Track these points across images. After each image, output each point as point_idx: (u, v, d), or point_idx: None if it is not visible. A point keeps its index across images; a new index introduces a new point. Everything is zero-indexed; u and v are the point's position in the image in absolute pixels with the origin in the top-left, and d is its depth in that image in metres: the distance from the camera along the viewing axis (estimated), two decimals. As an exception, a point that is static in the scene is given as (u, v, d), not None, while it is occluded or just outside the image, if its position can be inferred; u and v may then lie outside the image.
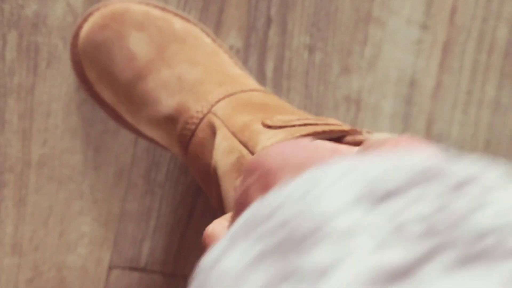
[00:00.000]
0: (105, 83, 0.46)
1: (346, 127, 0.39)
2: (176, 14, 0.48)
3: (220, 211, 0.40)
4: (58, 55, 0.52)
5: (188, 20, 0.49)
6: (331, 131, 0.37)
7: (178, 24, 0.48)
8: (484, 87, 0.65)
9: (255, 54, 0.57)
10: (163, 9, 0.48)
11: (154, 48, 0.45)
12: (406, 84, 0.62)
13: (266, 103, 0.43)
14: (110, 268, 0.53)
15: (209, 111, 0.42)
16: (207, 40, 0.49)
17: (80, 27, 0.47)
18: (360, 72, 0.61)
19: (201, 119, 0.42)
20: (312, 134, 0.36)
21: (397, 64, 0.62)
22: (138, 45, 0.45)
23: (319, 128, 0.37)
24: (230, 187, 0.37)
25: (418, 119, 0.63)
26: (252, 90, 0.45)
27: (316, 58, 0.60)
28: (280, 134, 0.37)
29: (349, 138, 0.37)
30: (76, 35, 0.47)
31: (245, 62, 0.57)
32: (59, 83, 0.52)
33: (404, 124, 0.62)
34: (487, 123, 0.65)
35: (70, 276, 0.52)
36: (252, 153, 0.37)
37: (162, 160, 0.54)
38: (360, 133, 0.37)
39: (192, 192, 0.55)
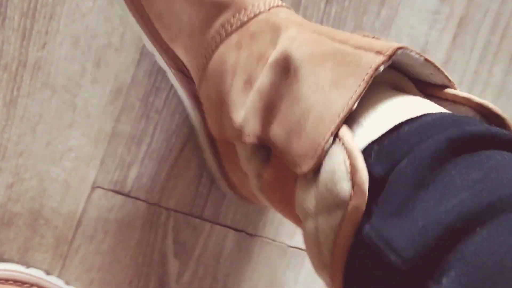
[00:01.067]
0: None
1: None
2: None
3: (260, 109, 0.38)
4: (70, -43, 0.49)
5: None
6: (442, 72, 0.37)
7: None
8: (492, 69, 0.64)
9: (271, -5, 0.55)
10: None
11: None
12: (416, 52, 0.61)
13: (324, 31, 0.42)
14: (93, 187, 0.51)
15: (267, 11, 0.42)
16: None
17: None
18: (373, 32, 0.60)
19: (256, 15, 0.41)
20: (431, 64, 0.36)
21: (410, 31, 0.61)
22: None
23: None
24: (316, 71, 0.36)
25: (423, 90, 0.62)
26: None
27: (332, 11, 0.58)
28: (396, 44, 0.35)
29: (454, 91, 0.36)
30: None
31: (260, 1, 0.55)
32: (67, -13, 0.49)
33: (408, 93, 0.61)
34: (489, 106, 0.64)
35: (51, 188, 0.50)
36: (360, 47, 0.36)
37: (162, 86, 0.52)
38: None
39: (188, 124, 0.53)
